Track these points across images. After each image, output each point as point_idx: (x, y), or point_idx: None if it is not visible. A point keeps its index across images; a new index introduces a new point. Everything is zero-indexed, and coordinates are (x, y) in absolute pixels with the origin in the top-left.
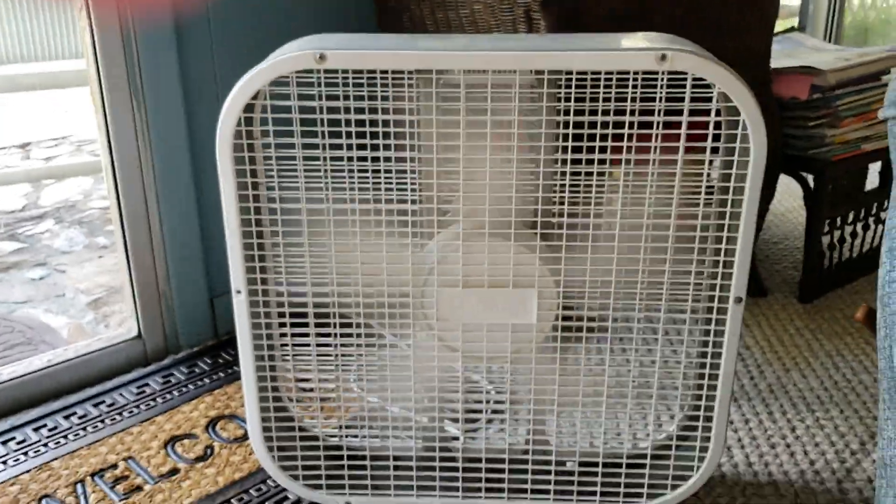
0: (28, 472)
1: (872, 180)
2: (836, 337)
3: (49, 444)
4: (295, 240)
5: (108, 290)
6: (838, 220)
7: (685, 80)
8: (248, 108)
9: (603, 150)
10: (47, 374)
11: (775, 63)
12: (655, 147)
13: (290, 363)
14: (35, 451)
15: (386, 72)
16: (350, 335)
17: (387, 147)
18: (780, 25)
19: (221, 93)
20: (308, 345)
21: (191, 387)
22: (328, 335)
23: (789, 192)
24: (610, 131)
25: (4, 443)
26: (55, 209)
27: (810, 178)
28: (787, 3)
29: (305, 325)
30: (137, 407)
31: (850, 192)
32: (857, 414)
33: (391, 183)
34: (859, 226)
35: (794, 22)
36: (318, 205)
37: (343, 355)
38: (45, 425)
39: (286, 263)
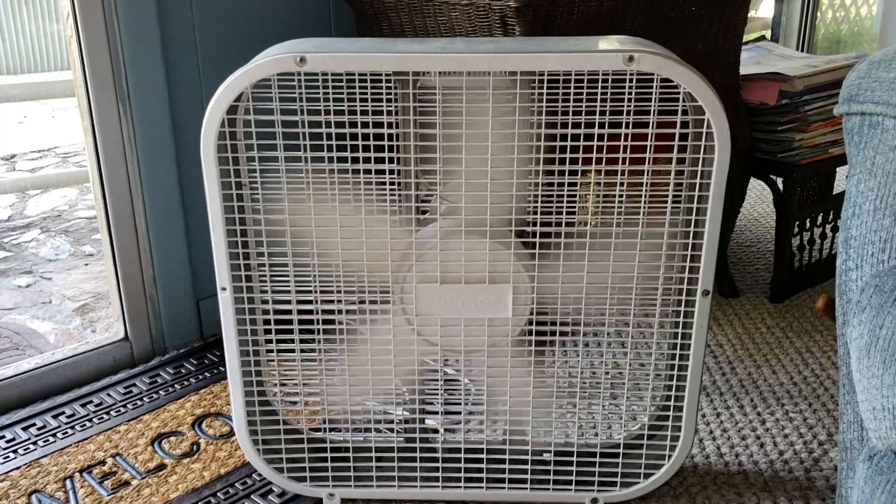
0: (18, 468)
1: (840, 183)
2: (805, 334)
3: (38, 443)
4: (278, 231)
5: (94, 297)
6: (807, 222)
7: (653, 81)
8: (232, 109)
9: (575, 150)
10: (36, 375)
11: (745, 70)
12: (626, 147)
13: (275, 360)
14: (24, 449)
15: (365, 75)
16: (333, 332)
17: (366, 150)
18: (753, 37)
19: (206, 100)
20: (292, 341)
21: (177, 386)
22: (311, 332)
23: (761, 198)
24: (582, 131)
25: None
26: (41, 219)
27: (780, 182)
28: (760, 14)
29: (290, 321)
30: (125, 406)
31: (819, 194)
32: (825, 407)
33: (371, 184)
34: (828, 227)
35: (768, 34)
36: (301, 205)
37: (326, 352)
38: (34, 424)
39: (269, 261)
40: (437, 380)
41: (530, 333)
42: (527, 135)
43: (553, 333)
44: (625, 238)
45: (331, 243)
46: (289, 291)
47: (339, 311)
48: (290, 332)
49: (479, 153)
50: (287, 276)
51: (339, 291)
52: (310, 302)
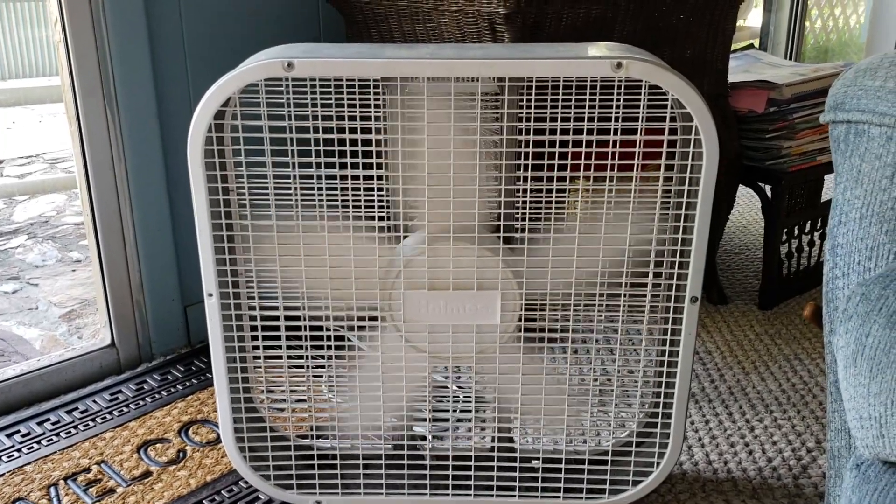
0: (1, 476)
1: (829, 191)
2: (793, 342)
3: (22, 450)
4: (265, 245)
5: (81, 303)
6: (795, 229)
7: (641, 88)
8: (219, 115)
9: (563, 157)
10: (21, 381)
11: (733, 78)
12: (614, 154)
13: (262, 366)
14: (8, 456)
15: (353, 80)
16: (320, 338)
17: (354, 155)
18: (741, 45)
19: (194, 106)
20: (279, 347)
21: (164, 393)
22: (299, 339)
23: (750, 205)
24: (570, 137)
25: None
26: (28, 224)
27: (768, 189)
28: (749, 24)
29: (277, 329)
30: (110, 413)
31: (807, 202)
32: (814, 414)
33: (358, 190)
34: (816, 235)
35: (756, 42)
36: (287, 210)
37: (313, 359)
38: (18, 431)
39: (257, 267)
40: (426, 387)
41: (519, 340)
42: (511, 141)
43: (542, 340)
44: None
45: (320, 271)
46: (276, 297)
47: (327, 318)
48: (278, 338)
49: (459, 159)
50: (274, 282)
51: (326, 298)
52: (297, 308)
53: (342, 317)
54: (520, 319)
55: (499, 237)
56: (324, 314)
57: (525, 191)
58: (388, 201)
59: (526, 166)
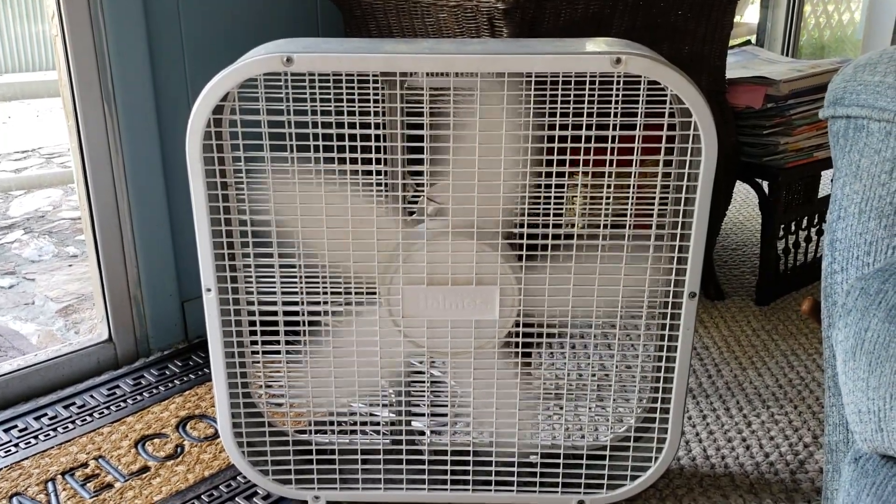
0: None
1: (825, 187)
2: (790, 337)
3: (20, 445)
4: (264, 231)
5: (77, 298)
6: (792, 225)
7: (640, 83)
8: (218, 109)
9: (563, 153)
10: (18, 377)
11: (731, 74)
12: (613, 149)
13: (260, 361)
14: (6, 451)
15: (352, 75)
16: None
17: (353, 150)
18: (739, 42)
19: (193, 100)
20: (278, 342)
21: (161, 388)
22: (297, 333)
23: (747, 201)
24: (569, 133)
25: None
26: (24, 219)
27: (765, 185)
28: (746, 20)
29: (275, 323)
30: (108, 408)
31: (804, 197)
32: (811, 409)
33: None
34: (813, 231)
35: (753, 38)
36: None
37: (308, 348)
38: (15, 426)
39: (255, 262)
40: (424, 381)
41: (517, 336)
42: (515, 137)
43: (540, 336)
44: (612, 241)
45: (317, 234)
46: (274, 293)
47: (326, 313)
48: (276, 333)
49: (468, 154)
50: (273, 277)
51: (325, 293)
52: (296, 303)
53: (340, 300)
54: (518, 315)
55: (498, 232)
56: (321, 290)
57: (525, 187)
58: (387, 196)
59: (526, 162)
